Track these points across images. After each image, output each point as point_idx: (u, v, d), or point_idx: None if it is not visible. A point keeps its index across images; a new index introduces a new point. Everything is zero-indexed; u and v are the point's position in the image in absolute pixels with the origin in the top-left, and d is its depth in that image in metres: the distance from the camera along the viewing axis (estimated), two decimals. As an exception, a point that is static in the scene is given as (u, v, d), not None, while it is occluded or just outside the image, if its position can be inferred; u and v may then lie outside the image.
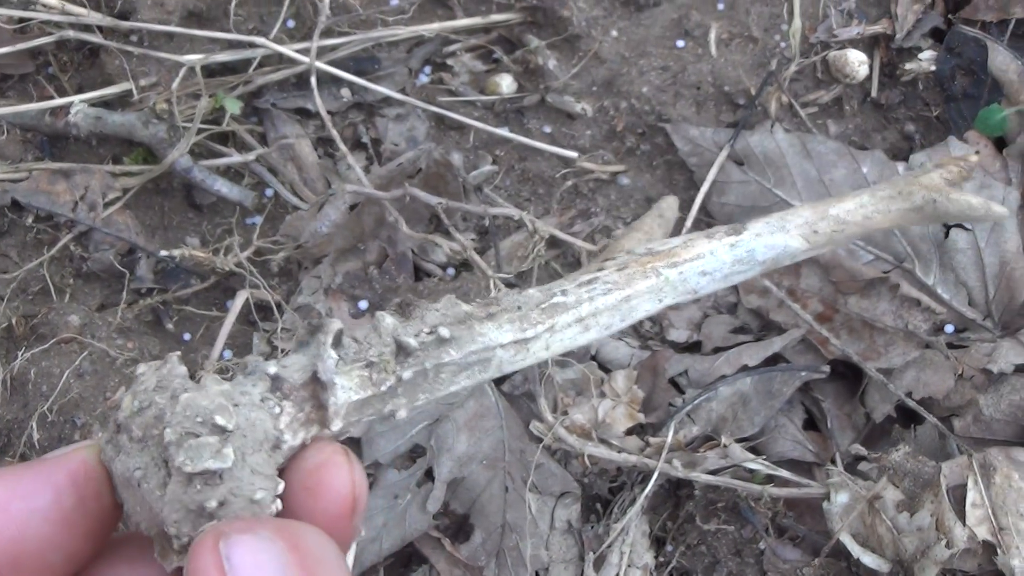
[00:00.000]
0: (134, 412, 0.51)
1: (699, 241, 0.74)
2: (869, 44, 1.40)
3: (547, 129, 1.38)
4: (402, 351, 0.57)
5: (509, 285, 1.27)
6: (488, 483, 1.23)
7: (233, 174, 1.38)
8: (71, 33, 1.34)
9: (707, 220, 1.37)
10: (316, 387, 0.54)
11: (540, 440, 1.21)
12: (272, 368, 0.53)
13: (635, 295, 0.68)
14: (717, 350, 1.31)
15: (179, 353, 0.54)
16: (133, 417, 0.51)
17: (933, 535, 1.12)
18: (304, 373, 0.54)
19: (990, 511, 1.11)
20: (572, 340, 0.65)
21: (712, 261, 0.73)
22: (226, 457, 0.49)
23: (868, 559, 1.14)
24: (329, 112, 1.34)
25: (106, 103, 1.37)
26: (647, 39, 1.41)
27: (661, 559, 1.22)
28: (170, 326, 1.33)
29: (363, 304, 1.30)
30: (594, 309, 0.66)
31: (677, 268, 0.71)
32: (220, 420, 0.49)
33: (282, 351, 1.29)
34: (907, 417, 1.27)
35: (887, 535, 1.14)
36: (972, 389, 1.24)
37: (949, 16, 1.38)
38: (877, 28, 1.38)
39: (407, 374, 0.57)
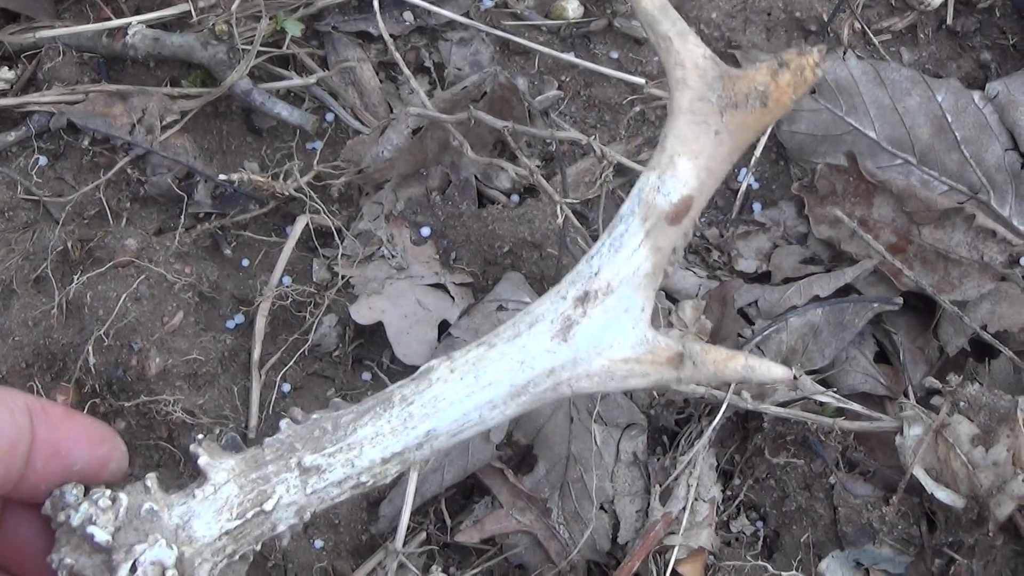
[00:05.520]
0: None
1: None
2: (945, -31, 1.37)
3: (614, 55, 1.35)
4: None
5: (576, 212, 1.24)
6: (553, 414, 1.21)
7: (293, 98, 1.36)
8: (128, -47, 1.32)
9: (777, 149, 1.34)
10: None
11: (606, 370, 1.19)
12: None
13: None
14: (787, 280, 1.28)
15: None
16: None
17: (1009, 470, 1.10)
18: None
19: (1068, 445, 1.09)
20: None
21: None
22: None
23: (942, 494, 1.12)
24: (391, 36, 1.31)
25: (164, 24, 1.34)
26: (717, -37, 1.38)
27: (728, 492, 1.21)
28: (228, 251, 1.31)
29: (425, 231, 1.28)
30: None
31: None
32: None
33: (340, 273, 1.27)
34: (981, 351, 1.24)
35: (962, 470, 1.12)
36: (1048, 322, 1.22)
37: (1028, -59, 1.35)
38: (953, -47, 1.35)
39: None
